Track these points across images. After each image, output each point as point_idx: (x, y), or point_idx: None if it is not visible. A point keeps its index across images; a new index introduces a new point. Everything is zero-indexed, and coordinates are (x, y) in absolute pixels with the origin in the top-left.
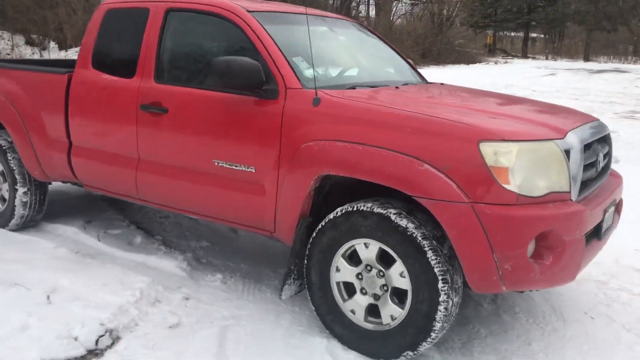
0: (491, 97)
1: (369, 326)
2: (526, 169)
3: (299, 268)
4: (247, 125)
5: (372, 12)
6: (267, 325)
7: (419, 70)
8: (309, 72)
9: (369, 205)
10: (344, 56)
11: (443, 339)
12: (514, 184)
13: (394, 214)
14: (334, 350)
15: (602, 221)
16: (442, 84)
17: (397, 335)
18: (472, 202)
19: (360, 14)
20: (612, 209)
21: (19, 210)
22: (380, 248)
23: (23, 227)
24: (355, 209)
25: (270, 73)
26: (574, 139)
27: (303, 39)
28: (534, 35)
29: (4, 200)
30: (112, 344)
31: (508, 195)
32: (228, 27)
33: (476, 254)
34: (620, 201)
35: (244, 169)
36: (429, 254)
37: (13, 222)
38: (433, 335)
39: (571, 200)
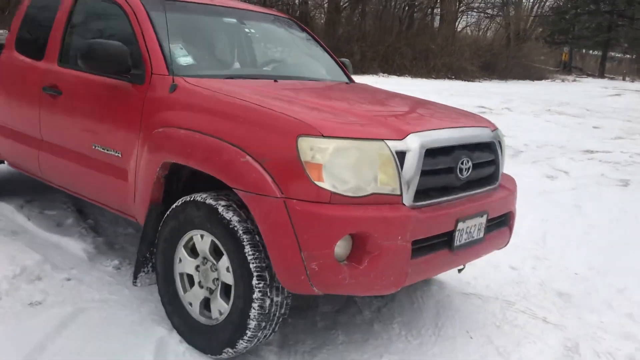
0: (376, 97)
1: (202, 320)
2: (344, 167)
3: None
4: (117, 109)
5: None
6: (126, 311)
7: (471, 81)
8: (184, 60)
9: (204, 196)
10: (242, 48)
11: (293, 341)
12: (328, 182)
13: (223, 206)
14: (168, 341)
15: (453, 231)
16: (362, 84)
17: (220, 331)
18: (284, 198)
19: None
20: (478, 220)
21: None
22: (212, 240)
23: None
24: (192, 199)
25: (141, 58)
26: (414, 142)
27: (196, 28)
28: (616, 54)
29: None
30: None
31: (321, 193)
32: (118, 11)
33: (284, 251)
34: (510, 215)
35: (113, 153)
36: (247, 248)
37: None
38: (249, 333)
39: (402, 204)
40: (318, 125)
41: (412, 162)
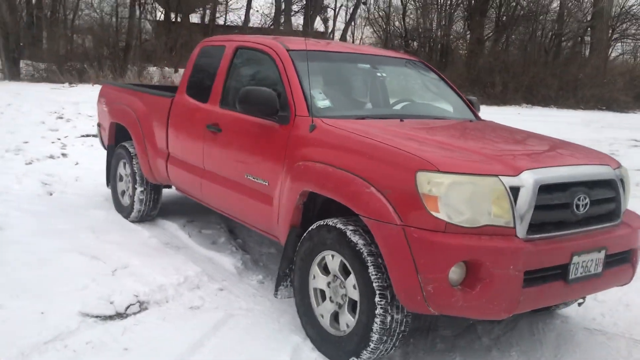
0: (499, 134)
1: (332, 331)
2: (458, 200)
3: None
4: (267, 145)
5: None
6: (267, 320)
7: (625, 112)
8: (323, 103)
9: (335, 221)
10: (375, 90)
11: (414, 358)
12: (443, 213)
13: (351, 230)
14: (302, 348)
15: (568, 264)
16: (487, 121)
17: (347, 341)
18: (403, 225)
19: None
20: (595, 255)
21: (136, 206)
22: (341, 260)
23: (140, 220)
24: (325, 223)
25: (287, 102)
26: (528, 178)
27: (333, 74)
28: None
29: (130, 196)
30: (138, 312)
31: (437, 222)
32: (270, 62)
33: (403, 273)
34: (632, 252)
35: (261, 182)
36: (371, 269)
37: (132, 215)
38: (372, 345)
39: (516, 236)
40: (435, 161)
41: (525, 197)
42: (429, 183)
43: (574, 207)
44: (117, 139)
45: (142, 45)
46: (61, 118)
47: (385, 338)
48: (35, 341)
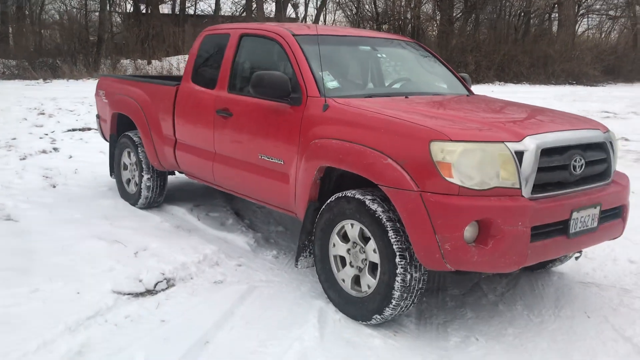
0: (495, 106)
1: (354, 293)
2: (469, 166)
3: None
4: (280, 126)
5: (554, 28)
6: (289, 288)
7: (594, 85)
8: (332, 84)
9: (353, 192)
10: (378, 70)
11: (428, 315)
12: (456, 178)
13: (369, 199)
14: (326, 311)
15: (568, 220)
16: (481, 95)
17: (370, 301)
18: (420, 191)
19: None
20: (591, 211)
21: (144, 193)
22: (360, 228)
23: (148, 206)
24: (343, 195)
25: (298, 84)
26: (530, 143)
27: (338, 56)
28: None
29: (136, 184)
30: (166, 288)
31: (450, 186)
32: (278, 48)
33: (422, 234)
34: (622, 207)
35: (276, 161)
36: (390, 233)
37: (140, 201)
38: (394, 302)
39: (522, 196)
40: (446, 131)
41: (529, 161)
42: (442, 151)
43: (571, 168)
44: (119, 129)
45: (113, 39)
46: (43, 114)
47: (405, 295)
48: (78, 317)
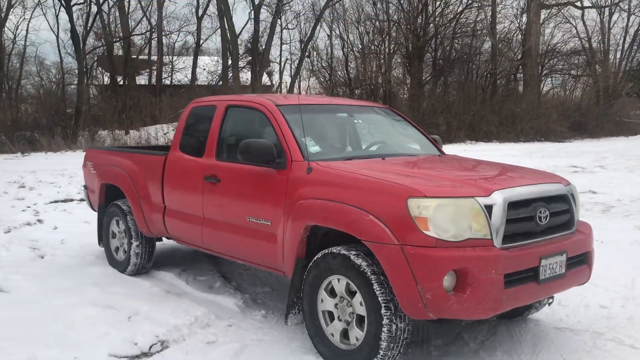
0: (465, 164)
1: (343, 346)
2: (444, 219)
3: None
4: (267, 189)
5: (520, 88)
6: (279, 346)
7: (562, 141)
8: (314, 149)
9: (338, 248)
10: (355, 135)
11: None
12: (433, 231)
13: (354, 254)
14: None
15: (538, 267)
16: (452, 155)
17: (359, 353)
18: (401, 244)
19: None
20: (559, 258)
21: (133, 259)
22: (346, 282)
23: (137, 272)
24: (329, 251)
25: (282, 150)
26: (498, 197)
27: (318, 123)
28: None
29: (125, 251)
30: (161, 349)
31: (428, 239)
32: (262, 117)
33: (404, 285)
34: (587, 254)
35: (264, 222)
36: (375, 285)
37: (129, 268)
38: (381, 352)
39: (494, 246)
40: (421, 188)
41: (498, 213)
42: (418, 207)
43: (537, 219)
44: (107, 199)
45: (90, 110)
46: (23, 187)
47: (392, 345)
48: None
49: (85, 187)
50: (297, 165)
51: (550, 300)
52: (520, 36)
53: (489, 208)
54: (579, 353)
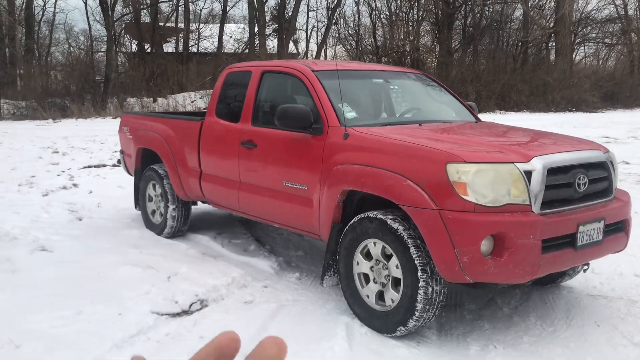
0: (502, 131)
1: (378, 307)
2: (482, 185)
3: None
4: (303, 154)
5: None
6: (315, 306)
7: (593, 112)
8: (350, 115)
9: (375, 213)
10: (389, 101)
11: (448, 327)
12: (472, 196)
13: (391, 219)
14: (352, 325)
15: (575, 233)
16: (488, 122)
17: (394, 314)
18: (439, 209)
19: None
20: (596, 225)
21: (169, 222)
22: (382, 246)
23: (173, 235)
24: (366, 216)
25: (319, 116)
26: (538, 164)
27: (355, 89)
28: None
29: (161, 214)
30: (200, 308)
31: (467, 204)
32: (298, 83)
33: (442, 249)
34: (625, 222)
35: (300, 187)
36: (412, 249)
37: (165, 231)
38: (417, 314)
39: (532, 211)
40: (461, 154)
41: (537, 179)
42: (457, 172)
43: (575, 186)
44: (143, 163)
45: (119, 78)
46: (57, 152)
47: (427, 307)
48: (123, 336)
49: (122, 151)
50: (333, 131)
51: (586, 267)
52: (553, 3)
53: (528, 174)
54: (613, 320)
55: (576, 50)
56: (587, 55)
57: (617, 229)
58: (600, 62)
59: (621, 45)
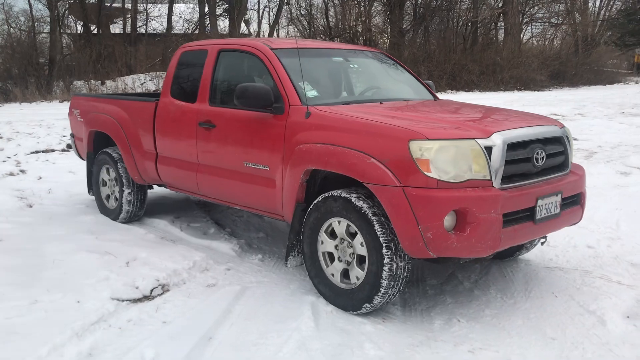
0: (461, 108)
1: (343, 285)
2: (445, 161)
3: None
4: (264, 134)
5: (500, 37)
6: (279, 287)
7: (541, 90)
8: (311, 93)
9: (339, 192)
10: (349, 79)
11: (412, 302)
12: (434, 172)
13: (355, 197)
14: (318, 304)
15: (534, 207)
16: (444, 100)
17: (359, 291)
18: (402, 186)
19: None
20: (554, 198)
21: (125, 207)
22: (347, 224)
23: (129, 220)
24: (330, 194)
25: (280, 94)
26: (498, 139)
27: (314, 67)
28: None
29: (116, 199)
30: (162, 293)
31: (429, 180)
32: (257, 61)
33: (406, 225)
34: (580, 195)
35: (262, 167)
36: (376, 227)
37: (121, 216)
38: (382, 290)
39: (493, 186)
40: (423, 131)
41: (497, 155)
42: (420, 149)
43: (534, 161)
44: (95, 147)
45: (64, 60)
46: (1, 138)
47: (392, 283)
48: (83, 323)
49: (72, 135)
50: (295, 110)
51: (543, 240)
52: None
53: (488, 149)
54: (569, 290)
55: (524, 30)
56: (534, 34)
57: (574, 202)
58: (547, 42)
59: (566, 25)
